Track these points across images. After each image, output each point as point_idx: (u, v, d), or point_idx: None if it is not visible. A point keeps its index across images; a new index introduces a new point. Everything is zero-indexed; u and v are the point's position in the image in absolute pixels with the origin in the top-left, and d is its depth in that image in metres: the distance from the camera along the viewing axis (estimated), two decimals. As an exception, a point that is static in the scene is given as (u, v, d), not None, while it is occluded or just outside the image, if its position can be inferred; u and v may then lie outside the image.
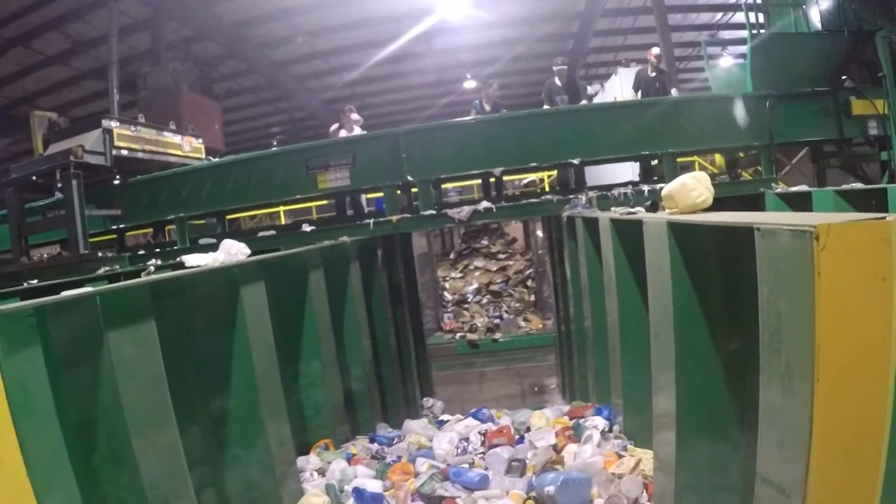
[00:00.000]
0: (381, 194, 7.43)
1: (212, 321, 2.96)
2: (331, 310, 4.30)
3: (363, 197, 7.03)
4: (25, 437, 1.73)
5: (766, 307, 1.83)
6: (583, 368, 5.19)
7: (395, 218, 5.47)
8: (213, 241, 6.25)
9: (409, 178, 5.50)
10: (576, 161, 5.52)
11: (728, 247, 2.55)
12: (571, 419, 3.96)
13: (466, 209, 5.43)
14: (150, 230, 7.60)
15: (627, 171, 7.48)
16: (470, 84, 13.65)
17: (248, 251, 3.38)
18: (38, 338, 1.90)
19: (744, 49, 12.19)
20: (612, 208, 4.22)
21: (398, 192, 5.73)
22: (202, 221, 6.95)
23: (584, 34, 11.91)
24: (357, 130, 6.95)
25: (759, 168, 6.29)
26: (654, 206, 3.49)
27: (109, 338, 2.18)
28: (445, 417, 4.63)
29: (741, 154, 6.52)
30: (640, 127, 5.58)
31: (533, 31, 12.24)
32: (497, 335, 10.03)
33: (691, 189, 2.84)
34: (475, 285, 11.21)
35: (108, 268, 5.20)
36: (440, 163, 5.58)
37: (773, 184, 5.45)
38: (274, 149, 6.93)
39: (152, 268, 2.92)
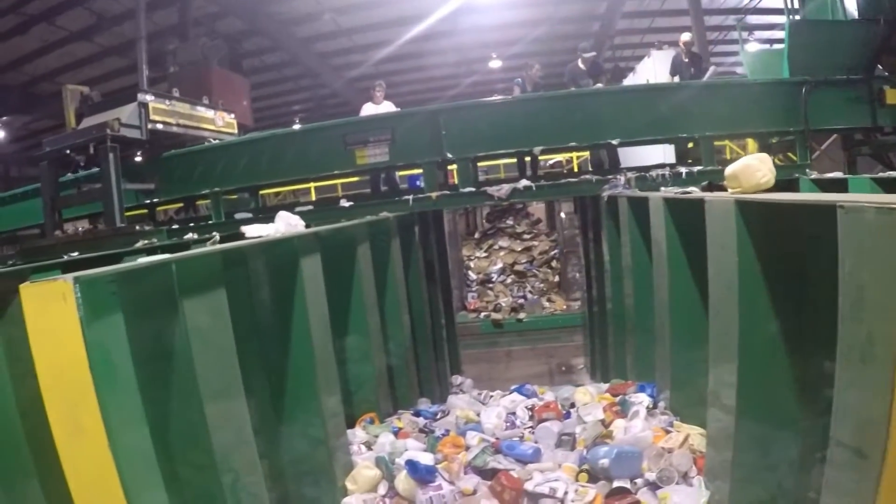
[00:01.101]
0: (414, 171, 7.47)
1: (273, 292, 2.97)
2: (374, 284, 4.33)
3: (396, 174, 7.00)
4: (107, 405, 1.70)
5: (847, 279, 1.83)
6: (619, 347, 5.19)
7: (434, 195, 5.46)
8: (249, 215, 6.30)
9: (449, 156, 5.48)
10: (615, 142, 5.48)
11: (794, 225, 2.53)
12: (614, 396, 3.98)
13: (506, 187, 5.42)
14: (180, 205, 7.65)
15: (658, 154, 7.43)
16: (495, 63, 13.54)
17: (304, 224, 3.39)
18: (119, 305, 1.86)
19: (770, 34, 12.06)
20: (662, 188, 4.18)
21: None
22: (235, 197, 6.97)
23: (612, 16, 11.73)
24: (386, 105, 6.91)
25: (790, 154, 6.26)
26: (710, 187, 3.46)
27: (185, 306, 2.18)
28: (489, 393, 4.64)
29: (773, 140, 6.46)
30: (678, 109, 5.54)
31: (557, 10, 12.08)
32: (521, 315, 10.08)
33: (756, 169, 2.82)
34: (500, 265, 11.23)
35: (146, 241, 5.24)
36: (479, 140, 5.54)
37: (807, 170, 5.41)
38: (311, 124, 6.88)
39: (217, 236, 2.92)
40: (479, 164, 10.59)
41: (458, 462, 3.16)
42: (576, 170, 9.55)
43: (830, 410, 2.22)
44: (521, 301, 10.50)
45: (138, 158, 6.40)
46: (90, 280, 1.74)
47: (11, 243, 8.01)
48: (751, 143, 6.94)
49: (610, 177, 5.32)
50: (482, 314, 10.25)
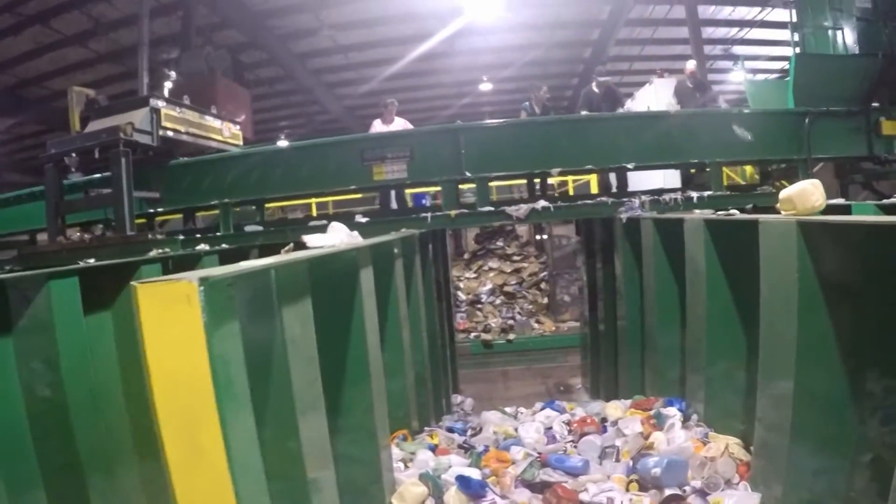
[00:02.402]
0: (420, 190, 7.52)
1: (336, 303, 2.96)
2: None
3: (405, 192, 7.04)
4: (227, 423, 1.55)
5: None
6: (632, 365, 5.27)
7: (453, 213, 5.49)
8: (260, 228, 6.24)
9: (468, 174, 5.54)
10: (630, 166, 5.64)
11: (855, 244, 2.66)
12: (643, 410, 4.05)
13: (524, 207, 5.49)
14: (179, 216, 7.51)
15: (658, 179, 7.65)
16: (486, 87, 13.76)
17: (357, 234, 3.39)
18: (236, 311, 1.73)
19: (755, 65, 12.60)
20: (695, 210, 4.31)
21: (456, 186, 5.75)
22: (238, 209, 6.87)
23: (605, 42, 12.09)
24: (398, 123, 6.97)
25: (783, 182, 6.54)
26: (755, 210, 3.60)
27: (283, 314, 2.14)
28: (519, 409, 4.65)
29: (772, 167, 6.73)
30: (689, 136, 5.74)
31: (552, 36, 12.39)
32: (511, 336, 10.14)
33: (811, 194, 2.94)
34: (489, 286, 11.27)
35: (160, 251, 5.14)
36: (498, 160, 5.61)
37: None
38: (329, 138, 6.87)
39: (292, 244, 2.89)
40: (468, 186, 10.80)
41: (509, 476, 3.16)
42: (571, 193, 9.75)
43: (884, 421, 2.36)
44: (511, 322, 10.57)
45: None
46: (215, 281, 1.60)
47: (1, 249, 7.73)
48: (749, 170, 7.22)
49: (625, 199, 5.46)
50: (472, 335, 10.29)
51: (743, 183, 7.47)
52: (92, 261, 4.57)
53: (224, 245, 5.74)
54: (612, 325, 5.97)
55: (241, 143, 7.13)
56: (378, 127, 6.93)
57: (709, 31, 12.13)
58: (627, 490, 3.07)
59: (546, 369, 8.47)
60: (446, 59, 13.06)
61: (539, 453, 3.47)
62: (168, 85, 8.37)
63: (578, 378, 7.69)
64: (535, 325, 10.62)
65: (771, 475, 2.85)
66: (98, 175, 6.78)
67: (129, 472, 4.04)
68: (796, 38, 6.24)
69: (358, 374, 3.06)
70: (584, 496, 2.99)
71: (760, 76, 12.97)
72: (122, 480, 3.90)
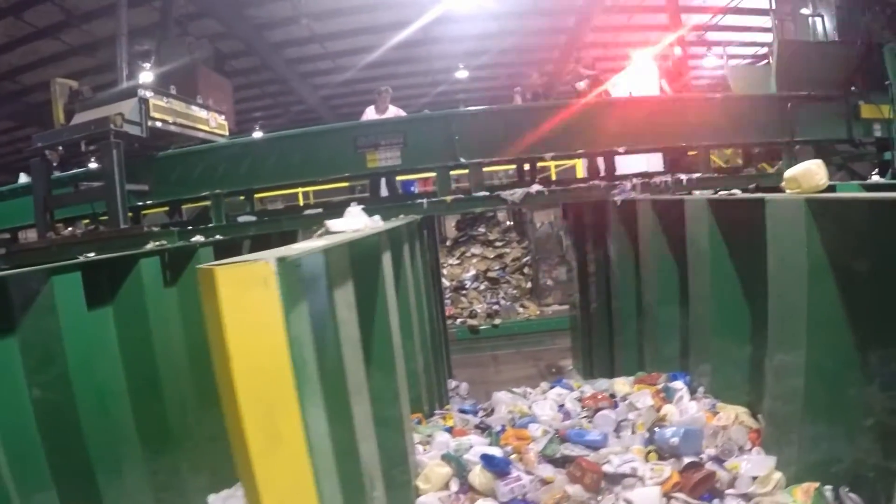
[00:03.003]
0: (410, 177, 7.54)
1: (364, 287, 2.98)
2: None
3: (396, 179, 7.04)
4: (305, 409, 1.54)
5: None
6: (628, 343, 5.41)
7: (449, 198, 5.55)
8: (253, 218, 6.19)
9: (462, 160, 5.59)
10: (620, 150, 5.76)
11: (861, 220, 2.81)
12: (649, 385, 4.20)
13: (519, 192, 5.56)
14: (166, 209, 7.38)
15: (642, 163, 7.80)
16: (462, 74, 13.77)
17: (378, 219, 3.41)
18: (305, 292, 1.72)
19: (729, 51, 12.90)
20: (695, 191, 4.44)
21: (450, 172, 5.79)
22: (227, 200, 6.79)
23: (581, 29, 12.20)
24: (392, 111, 6.97)
25: (765, 164, 6.77)
26: (758, 189, 3.75)
27: (335, 296, 2.16)
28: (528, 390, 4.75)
29: (756, 150, 6.95)
30: (677, 120, 5.90)
31: (527, 23, 12.45)
32: (497, 321, 10.29)
33: (815, 173, 3.08)
34: (473, 272, 11.39)
35: (158, 243, 5.08)
36: (491, 146, 5.68)
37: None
38: (321, 126, 6.83)
39: (327, 226, 2.89)
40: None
41: (532, 452, 3.26)
42: (553, 178, 9.87)
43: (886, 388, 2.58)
44: (496, 307, 10.71)
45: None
46: (289, 262, 1.57)
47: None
48: (728, 153, 7.44)
49: (617, 182, 5.59)
50: (458, 321, 10.39)
51: (725, 165, 7.68)
52: (92, 255, 4.51)
53: (217, 236, 5.70)
54: (606, 306, 6.11)
55: (226, 133, 7.03)
56: (371, 114, 6.92)
57: (682, 18, 12.37)
58: (647, 460, 3.20)
59: (535, 352, 8.61)
60: (422, 48, 13.03)
61: (556, 430, 3.57)
62: (147, 76, 8.19)
63: (569, 360, 7.83)
64: (520, 310, 10.78)
65: (783, 440, 3.01)
66: (82, 169, 6.65)
67: (135, 465, 4.03)
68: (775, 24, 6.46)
69: (384, 358, 3.10)
70: (607, 468, 3.09)
71: (733, 62, 13.32)
72: (130, 474, 3.90)
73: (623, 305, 5.49)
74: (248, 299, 1.41)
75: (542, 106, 6.52)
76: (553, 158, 6.02)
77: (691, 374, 4.14)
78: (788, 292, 3.01)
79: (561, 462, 3.28)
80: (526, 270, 11.48)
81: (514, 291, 11.16)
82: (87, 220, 6.78)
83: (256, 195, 8.90)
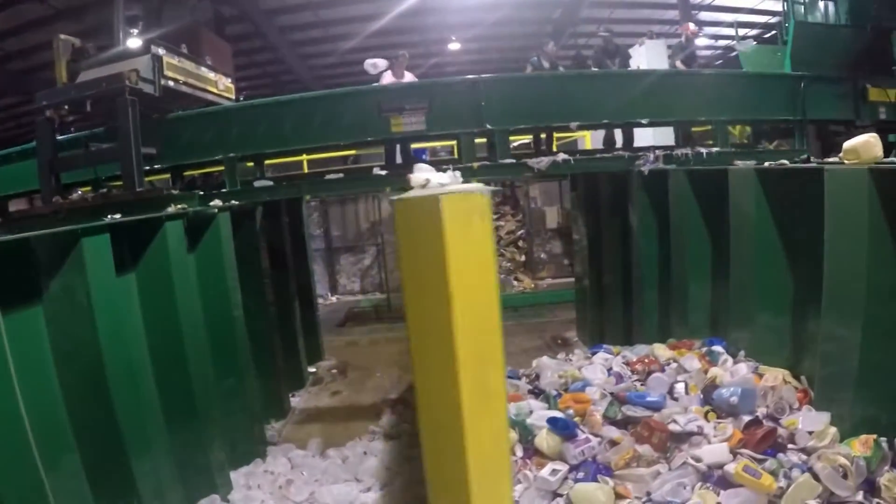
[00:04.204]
0: (423, 145, 7.45)
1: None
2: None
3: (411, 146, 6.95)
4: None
5: None
6: (648, 312, 5.50)
7: (475, 164, 5.50)
8: (270, 183, 6.05)
9: (489, 126, 5.54)
10: (644, 121, 5.81)
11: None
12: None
13: (545, 160, 5.56)
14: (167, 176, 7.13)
15: (648, 136, 7.88)
16: (454, 46, 13.58)
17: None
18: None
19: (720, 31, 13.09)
20: (738, 162, 4.51)
21: (475, 139, 5.72)
22: (251, 164, 6.58)
23: (577, 3, 12.12)
24: (408, 77, 6.85)
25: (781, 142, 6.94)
26: (807, 160, 3.84)
27: None
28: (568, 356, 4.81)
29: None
30: (697, 95, 5.98)
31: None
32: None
33: (873, 145, 3.18)
34: (467, 245, 11.36)
35: (180, 206, 4.93)
36: (517, 113, 5.63)
37: (805, 154, 6.02)
38: (343, 88, 6.64)
39: (419, 181, 2.81)
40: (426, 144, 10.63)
41: (597, 413, 3.31)
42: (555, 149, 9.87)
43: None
44: (491, 280, 10.72)
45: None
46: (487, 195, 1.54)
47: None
48: (738, 130, 7.56)
49: (640, 154, 5.64)
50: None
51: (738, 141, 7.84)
52: (118, 216, 4.35)
53: (233, 201, 5.56)
54: (621, 277, 6.20)
55: (233, 96, 6.84)
56: (389, 79, 6.79)
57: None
58: (707, 419, 3.29)
59: (538, 324, 8.70)
60: (416, 18, 12.78)
61: (612, 393, 3.63)
62: (135, 42, 7.82)
63: (572, 331, 7.94)
64: (515, 283, 10.86)
65: (836, 397, 3.15)
66: (84, 132, 6.34)
67: (160, 439, 3.95)
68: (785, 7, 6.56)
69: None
70: (673, 427, 3.17)
71: (722, 41, 13.52)
72: (155, 447, 3.84)
73: (645, 275, 5.57)
74: (469, 230, 1.39)
75: (568, 75, 6.50)
76: (579, 128, 6.00)
77: (728, 339, 4.26)
78: (847, 259, 3.12)
79: (622, 423, 3.35)
80: (520, 244, 11.53)
81: (509, 265, 11.22)
82: (86, 188, 6.46)
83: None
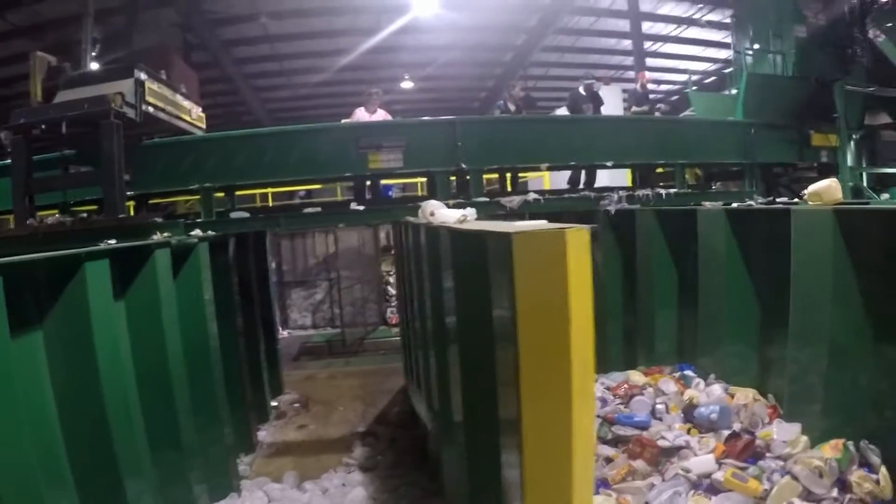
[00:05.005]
0: (388, 181, 7.65)
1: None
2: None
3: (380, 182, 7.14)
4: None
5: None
6: (614, 342, 5.79)
7: (451, 202, 5.70)
8: (247, 215, 6.06)
9: (464, 166, 5.79)
10: (609, 163, 6.25)
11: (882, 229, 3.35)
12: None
13: (517, 199, 5.84)
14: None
15: (604, 177, 8.40)
16: (407, 84, 13.96)
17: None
18: None
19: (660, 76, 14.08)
20: (706, 203, 4.95)
21: (451, 177, 5.96)
22: (222, 195, 6.57)
23: (529, 48, 12.77)
24: (380, 114, 7.07)
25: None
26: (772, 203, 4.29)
27: None
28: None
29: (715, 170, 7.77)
30: (659, 138, 6.49)
31: (476, 38, 12.84)
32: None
33: (835, 189, 3.64)
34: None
35: (166, 234, 4.90)
36: (492, 153, 5.92)
37: (755, 195, 6.64)
38: (322, 124, 6.75)
39: (437, 215, 2.99)
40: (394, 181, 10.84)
41: (591, 435, 3.54)
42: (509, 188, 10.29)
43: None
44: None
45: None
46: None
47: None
48: (688, 172, 8.20)
49: (606, 193, 6.05)
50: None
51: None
52: (113, 242, 4.30)
53: (210, 232, 5.55)
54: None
55: (204, 126, 6.82)
56: (361, 115, 6.97)
57: (624, 44, 13.34)
58: (689, 434, 3.59)
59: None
60: (370, 56, 13.08)
61: (599, 416, 3.87)
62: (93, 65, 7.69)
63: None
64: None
65: (805, 410, 3.54)
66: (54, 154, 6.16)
67: (144, 467, 3.89)
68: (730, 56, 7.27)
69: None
70: (662, 443, 3.45)
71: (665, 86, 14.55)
72: (141, 475, 3.78)
73: (610, 308, 5.91)
74: (579, 260, 1.58)
75: (538, 119, 6.93)
76: (548, 168, 6.38)
77: (696, 364, 4.62)
78: (812, 290, 3.52)
79: (613, 443, 3.59)
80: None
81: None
82: (53, 211, 6.23)
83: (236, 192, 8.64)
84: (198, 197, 6.17)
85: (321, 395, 7.56)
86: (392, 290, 11.68)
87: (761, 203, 5.22)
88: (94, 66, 7.59)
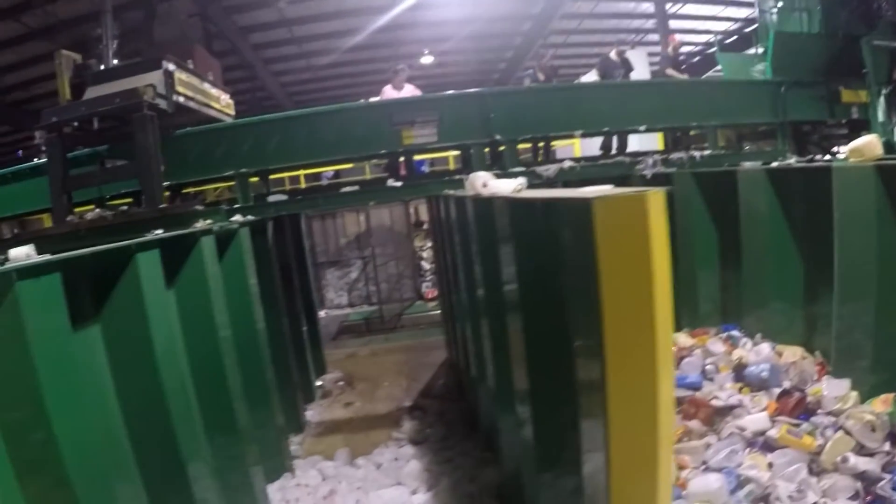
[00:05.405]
0: (422, 157, 7.66)
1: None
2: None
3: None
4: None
5: None
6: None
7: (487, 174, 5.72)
8: (284, 197, 6.14)
9: (497, 137, 5.79)
10: (641, 128, 6.19)
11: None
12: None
13: (553, 167, 5.83)
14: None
15: (634, 142, 8.32)
16: (427, 59, 13.86)
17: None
18: None
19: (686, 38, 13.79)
20: (745, 163, 4.90)
21: (485, 149, 5.96)
22: (255, 179, 6.64)
23: (548, 16, 12.54)
24: (408, 89, 7.05)
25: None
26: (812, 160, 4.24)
27: None
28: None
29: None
30: (689, 102, 6.42)
31: (493, 9, 12.67)
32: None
33: (874, 145, 3.58)
34: (454, 253, 11.59)
35: (209, 221, 4.97)
36: (525, 124, 5.91)
37: (787, 154, 6.53)
38: (354, 102, 6.79)
39: (489, 185, 3.01)
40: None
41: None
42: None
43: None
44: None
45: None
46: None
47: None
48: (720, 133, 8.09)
49: (640, 158, 6.00)
50: (441, 302, 10.59)
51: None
52: (160, 232, 4.37)
53: (249, 217, 5.62)
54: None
55: (233, 113, 6.87)
56: (389, 93, 6.97)
57: (643, 7, 13.07)
58: (742, 394, 3.61)
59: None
60: (389, 33, 12.99)
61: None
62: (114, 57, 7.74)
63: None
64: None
65: (853, 366, 3.54)
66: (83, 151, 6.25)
67: (206, 449, 3.98)
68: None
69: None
70: (715, 402, 3.48)
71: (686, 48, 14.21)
72: (204, 458, 3.87)
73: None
74: (660, 224, 1.59)
75: (569, 87, 6.86)
76: (582, 136, 6.33)
77: (741, 323, 4.61)
78: (856, 245, 3.52)
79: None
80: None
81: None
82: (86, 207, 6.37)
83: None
84: (228, 184, 6.25)
85: (364, 373, 7.68)
86: (426, 265, 11.79)
87: (800, 161, 5.15)
88: (115, 61, 7.70)
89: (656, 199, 1.59)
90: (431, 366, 7.34)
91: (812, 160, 4.43)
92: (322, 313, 11.50)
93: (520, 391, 2.93)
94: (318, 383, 7.41)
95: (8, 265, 2.84)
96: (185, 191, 7.12)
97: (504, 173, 5.75)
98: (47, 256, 3.00)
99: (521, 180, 3.14)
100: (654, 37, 13.09)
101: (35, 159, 7.43)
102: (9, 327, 2.57)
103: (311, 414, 6.59)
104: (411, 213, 12.45)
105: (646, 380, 1.59)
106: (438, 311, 9.85)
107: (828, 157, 6.47)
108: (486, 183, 3.14)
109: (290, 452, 5.41)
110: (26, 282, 2.64)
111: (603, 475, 1.72)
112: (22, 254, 3.12)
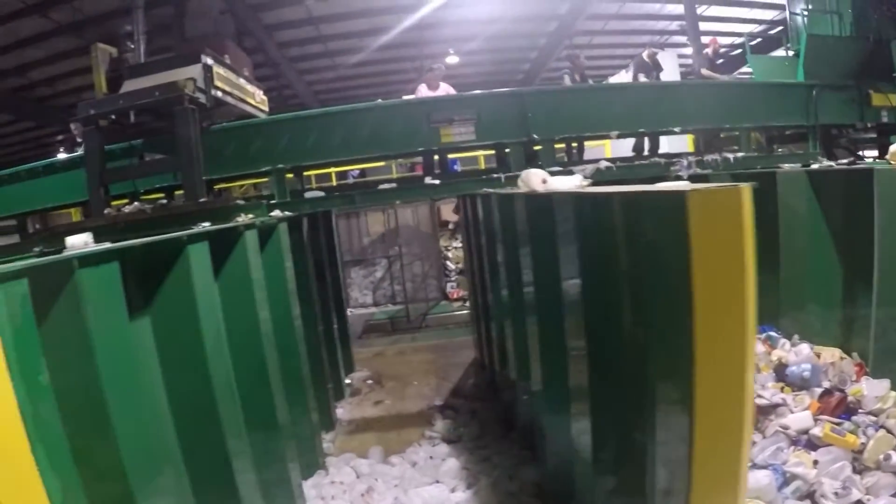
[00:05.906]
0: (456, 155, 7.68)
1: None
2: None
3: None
4: None
5: None
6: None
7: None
8: (321, 193, 6.18)
9: (535, 136, 5.80)
10: (677, 129, 6.19)
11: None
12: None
13: (590, 167, 5.82)
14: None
15: (664, 145, 8.30)
16: (452, 59, 13.87)
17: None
18: None
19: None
20: (784, 164, 4.89)
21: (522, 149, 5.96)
22: (290, 175, 6.69)
23: (574, 15, 12.53)
24: (443, 88, 7.08)
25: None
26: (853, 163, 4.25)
27: None
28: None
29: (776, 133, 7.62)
30: (723, 103, 6.38)
31: (519, 9, 12.67)
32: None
33: (918, 147, 3.60)
34: (477, 254, 11.60)
35: (251, 214, 5.02)
36: (561, 123, 5.90)
37: (819, 157, 6.49)
38: (392, 100, 6.82)
39: (549, 182, 3.03)
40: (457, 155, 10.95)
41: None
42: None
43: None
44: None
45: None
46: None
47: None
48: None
49: (675, 159, 5.99)
50: (466, 302, 10.60)
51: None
52: (207, 224, 4.41)
53: (287, 213, 5.66)
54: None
55: (267, 109, 6.92)
56: (424, 91, 7.00)
57: (668, 9, 13.01)
58: (784, 392, 3.63)
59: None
60: (414, 33, 13.03)
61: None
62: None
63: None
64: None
65: (891, 367, 3.60)
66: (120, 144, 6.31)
67: (248, 445, 3.98)
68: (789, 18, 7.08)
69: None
70: (759, 401, 3.50)
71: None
72: (248, 454, 3.88)
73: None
74: (750, 219, 1.60)
75: (605, 87, 6.86)
76: (618, 136, 6.33)
77: (779, 325, 4.61)
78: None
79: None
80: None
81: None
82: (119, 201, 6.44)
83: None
84: (254, 181, 6.27)
85: (393, 371, 7.69)
86: (451, 266, 11.81)
87: (842, 164, 5.13)
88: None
89: (748, 193, 1.60)
90: (460, 365, 7.35)
91: (853, 162, 4.41)
92: (348, 311, 11.58)
93: (578, 390, 2.93)
94: (347, 381, 7.43)
95: (67, 252, 2.91)
96: (217, 186, 7.20)
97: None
98: (107, 245, 3.04)
99: (581, 177, 3.16)
100: (679, 38, 13.03)
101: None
102: (69, 314, 2.61)
103: (342, 412, 6.59)
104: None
105: (735, 374, 1.61)
106: (463, 312, 9.92)
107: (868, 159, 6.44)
108: (546, 180, 3.16)
109: (323, 450, 5.42)
110: (86, 269, 2.67)
111: (684, 470, 1.73)
112: (80, 241, 3.17)
